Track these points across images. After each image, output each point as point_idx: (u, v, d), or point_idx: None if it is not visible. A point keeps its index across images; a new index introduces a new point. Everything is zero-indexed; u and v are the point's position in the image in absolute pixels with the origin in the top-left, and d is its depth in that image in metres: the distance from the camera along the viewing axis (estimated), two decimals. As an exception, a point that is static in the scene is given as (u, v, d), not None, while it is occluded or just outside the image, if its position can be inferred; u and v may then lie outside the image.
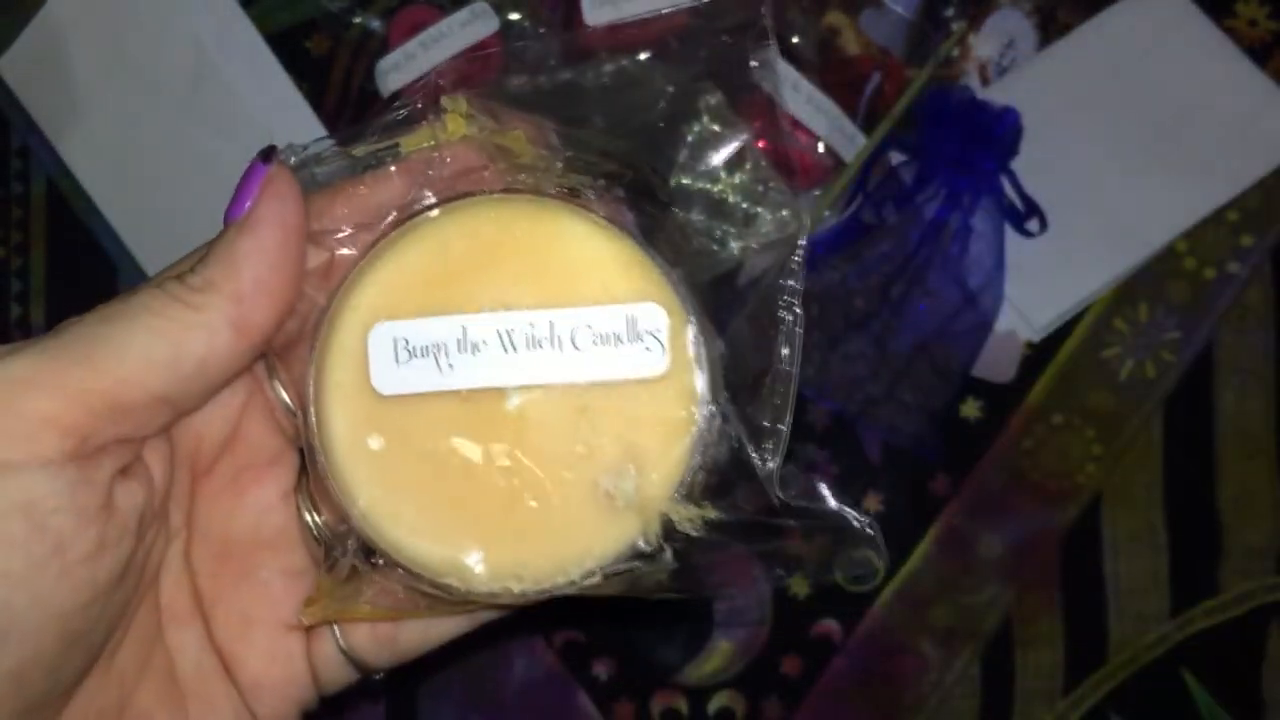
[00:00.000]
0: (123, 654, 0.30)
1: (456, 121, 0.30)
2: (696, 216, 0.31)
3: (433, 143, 0.30)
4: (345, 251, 0.30)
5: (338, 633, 0.33)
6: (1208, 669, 0.58)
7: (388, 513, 0.30)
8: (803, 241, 0.31)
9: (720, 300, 0.31)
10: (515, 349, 0.29)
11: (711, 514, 0.30)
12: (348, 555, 0.30)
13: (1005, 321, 0.58)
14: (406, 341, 0.29)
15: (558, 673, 0.59)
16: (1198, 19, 0.59)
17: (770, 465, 0.30)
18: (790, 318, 0.31)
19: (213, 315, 0.27)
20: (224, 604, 0.32)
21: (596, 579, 0.30)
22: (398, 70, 0.59)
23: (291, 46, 0.61)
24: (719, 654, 0.59)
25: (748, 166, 0.30)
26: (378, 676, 0.34)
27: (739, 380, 0.31)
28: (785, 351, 0.31)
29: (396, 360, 0.29)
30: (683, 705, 0.59)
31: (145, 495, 0.28)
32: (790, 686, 0.59)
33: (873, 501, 0.59)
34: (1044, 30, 0.60)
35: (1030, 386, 0.59)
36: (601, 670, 0.59)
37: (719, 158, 0.31)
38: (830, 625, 0.59)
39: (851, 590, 0.58)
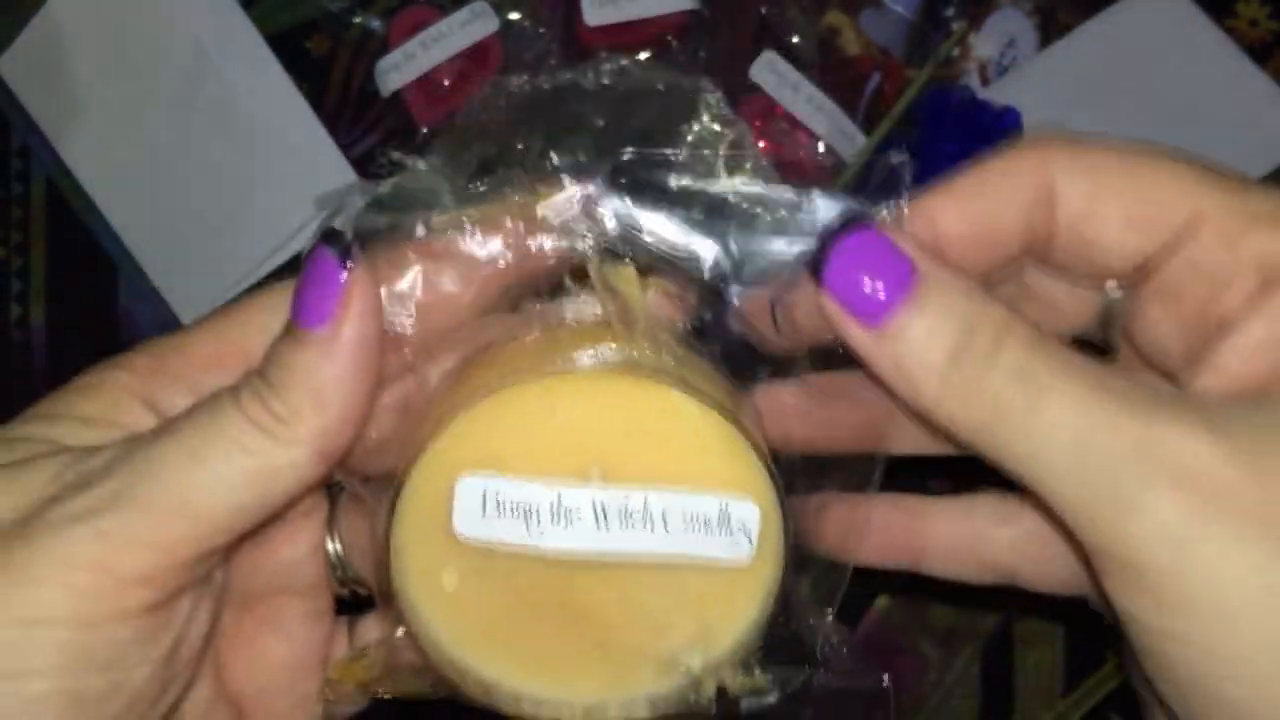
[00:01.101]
0: None
1: (629, 283, 0.29)
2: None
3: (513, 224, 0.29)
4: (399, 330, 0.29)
5: None
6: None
7: (453, 643, 0.30)
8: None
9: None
10: (608, 524, 0.29)
11: (764, 685, 0.31)
12: (384, 644, 0.31)
13: (1005, 321, 0.58)
14: (498, 498, 0.29)
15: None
16: (1198, 19, 0.59)
17: (820, 634, 0.32)
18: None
19: (300, 452, 0.26)
20: (242, 653, 0.31)
21: (643, 715, 0.31)
22: (398, 70, 0.59)
23: (291, 47, 0.61)
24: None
25: (748, 166, 0.30)
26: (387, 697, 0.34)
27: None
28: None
29: (484, 512, 0.29)
30: (683, 705, 0.59)
31: (211, 614, 0.28)
32: (790, 686, 0.59)
33: (873, 501, 0.59)
34: (1044, 30, 0.60)
35: (1030, 386, 0.59)
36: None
37: (719, 158, 0.30)
38: (830, 625, 0.59)
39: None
